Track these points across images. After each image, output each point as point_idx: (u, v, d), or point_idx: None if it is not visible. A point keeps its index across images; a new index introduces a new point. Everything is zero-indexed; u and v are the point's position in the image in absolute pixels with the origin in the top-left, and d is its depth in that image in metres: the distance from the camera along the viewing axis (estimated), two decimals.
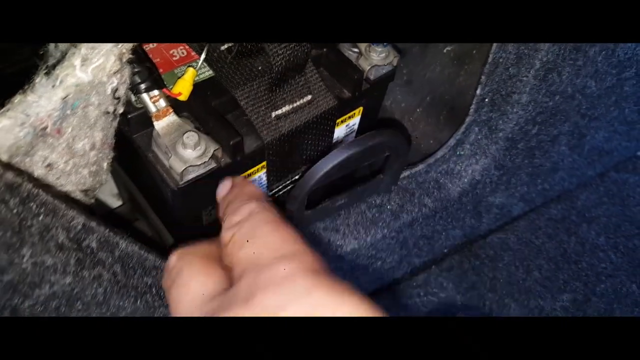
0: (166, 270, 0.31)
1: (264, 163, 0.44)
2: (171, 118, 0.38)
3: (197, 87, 0.41)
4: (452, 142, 0.51)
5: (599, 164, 0.62)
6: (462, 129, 0.50)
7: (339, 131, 0.49)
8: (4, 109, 0.26)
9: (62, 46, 0.27)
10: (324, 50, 0.46)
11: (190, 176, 0.38)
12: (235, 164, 0.40)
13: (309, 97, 0.43)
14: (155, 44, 0.42)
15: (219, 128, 0.39)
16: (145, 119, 0.39)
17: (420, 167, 0.50)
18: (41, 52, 0.28)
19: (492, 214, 0.57)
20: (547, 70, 0.44)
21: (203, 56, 0.41)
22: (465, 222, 0.56)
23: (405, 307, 0.56)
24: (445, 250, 0.58)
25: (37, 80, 0.26)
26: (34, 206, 0.27)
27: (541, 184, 0.58)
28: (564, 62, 0.44)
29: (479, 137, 0.50)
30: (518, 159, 0.52)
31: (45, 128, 0.27)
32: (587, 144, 0.57)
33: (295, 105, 0.43)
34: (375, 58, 0.46)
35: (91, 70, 0.27)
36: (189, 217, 0.43)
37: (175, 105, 0.39)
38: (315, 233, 0.46)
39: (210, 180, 0.40)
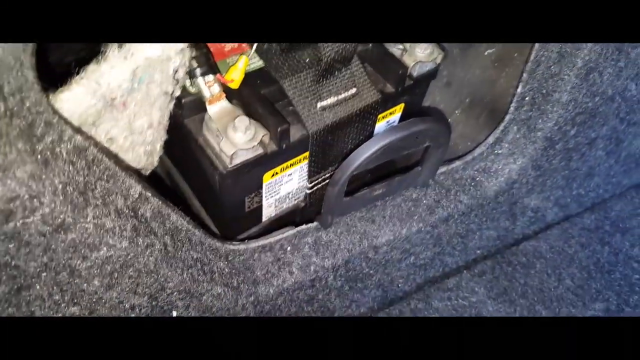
0: None
1: (307, 154, 0.45)
2: (223, 103, 0.40)
3: (247, 76, 0.42)
4: (490, 140, 0.51)
5: (635, 173, 0.62)
6: (501, 127, 0.50)
7: (380, 127, 0.50)
8: (77, 77, 0.27)
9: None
10: (370, 46, 0.47)
11: (239, 160, 0.39)
12: (280, 152, 0.42)
13: (354, 90, 0.44)
14: None
15: (268, 115, 0.40)
16: (197, 104, 0.41)
17: (457, 163, 0.51)
18: None
19: (526, 216, 0.57)
20: (589, 70, 0.44)
21: (254, 46, 0.43)
22: (500, 224, 0.55)
23: (436, 310, 0.56)
24: (479, 252, 0.57)
25: (110, 51, 0.28)
26: (98, 170, 0.28)
27: (576, 189, 0.58)
28: (606, 62, 0.44)
29: (518, 136, 0.50)
30: (555, 160, 0.52)
31: (114, 99, 0.29)
32: (624, 150, 0.57)
33: (340, 97, 0.44)
34: (419, 54, 0.47)
35: (161, 45, 0.28)
36: (233, 202, 0.44)
37: (227, 92, 0.41)
38: (351, 223, 0.47)
39: (255, 166, 0.41)
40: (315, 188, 0.49)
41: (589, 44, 0.42)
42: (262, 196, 0.46)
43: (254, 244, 0.43)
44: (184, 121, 0.42)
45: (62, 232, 0.27)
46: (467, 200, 0.50)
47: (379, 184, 0.45)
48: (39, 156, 0.25)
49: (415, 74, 0.47)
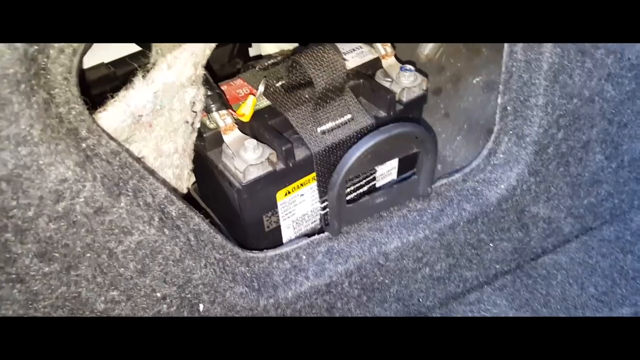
0: None
1: (314, 174, 0.52)
2: (236, 133, 0.48)
3: (256, 113, 0.50)
4: (484, 152, 0.55)
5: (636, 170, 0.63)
6: (492, 138, 0.55)
7: None
8: (112, 100, 0.36)
9: (154, 58, 0.38)
10: (361, 80, 0.55)
11: (252, 176, 0.46)
12: (288, 169, 0.49)
13: (349, 115, 0.51)
14: (225, 85, 0.53)
15: (274, 138, 0.48)
16: (217, 138, 0.49)
17: (457, 176, 0.55)
18: (138, 65, 0.39)
19: (539, 227, 0.59)
20: (556, 72, 0.49)
21: (261, 88, 0.51)
22: (512, 234, 0.58)
23: (452, 312, 0.58)
24: (497, 266, 0.60)
25: (136, 80, 0.37)
26: (129, 171, 0.36)
27: (586, 197, 0.60)
28: (571, 63, 0.49)
29: (509, 144, 0.54)
30: (551, 165, 0.55)
31: (140, 116, 0.37)
32: (625, 154, 0.59)
33: (337, 122, 0.51)
34: (404, 82, 0.54)
35: (174, 73, 0.37)
36: (252, 219, 0.50)
37: (239, 125, 0.49)
38: (360, 232, 0.51)
39: (267, 182, 0.48)
40: (327, 209, 0.55)
41: (549, 48, 0.48)
42: (279, 216, 0.52)
43: (271, 252, 0.48)
44: (206, 153, 0.50)
45: (100, 214, 0.34)
46: (470, 208, 0.54)
47: (379, 192, 0.51)
48: (82, 152, 0.33)
49: (404, 99, 0.54)
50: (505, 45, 0.50)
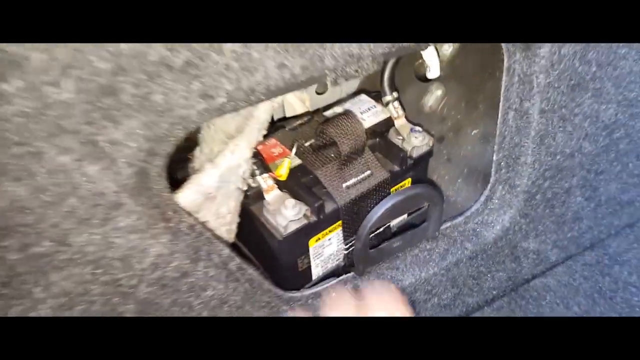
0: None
1: (340, 222, 0.61)
2: (276, 192, 0.57)
3: (291, 171, 0.59)
4: (482, 198, 0.65)
5: (622, 214, 0.73)
6: (489, 187, 0.64)
7: None
8: (186, 183, 0.45)
9: (217, 147, 0.47)
10: (377, 139, 0.64)
11: (291, 229, 0.55)
12: (319, 222, 0.58)
13: (369, 172, 0.61)
14: (261, 145, 0.62)
15: (307, 196, 0.57)
16: (258, 195, 0.58)
17: (460, 219, 0.65)
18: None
19: (530, 258, 0.69)
20: (542, 137, 0.58)
21: (294, 150, 0.61)
22: (507, 265, 0.68)
23: None
24: (494, 292, 0.69)
25: (206, 166, 0.46)
26: (203, 238, 0.45)
27: (569, 232, 0.70)
28: (554, 129, 0.58)
29: (503, 192, 0.64)
30: (539, 208, 0.65)
31: (209, 194, 0.46)
32: (602, 195, 0.69)
33: (359, 178, 0.60)
34: (414, 141, 0.63)
35: (236, 157, 0.46)
36: (288, 263, 0.60)
37: (278, 183, 0.58)
38: (380, 271, 0.61)
39: (302, 233, 0.57)
40: (350, 249, 0.65)
41: (536, 117, 0.57)
42: (310, 258, 0.61)
43: (307, 291, 0.58)
44: (249, 207, 0.59)
45: (185, 277, 0.43)
46: (471, 247, 0.64)
47: (396, 238, 0.60)
48: (170, 230, 0.42)
49: (414, 155, 0.64)
50: (500, 113, 0.59)
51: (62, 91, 0.31)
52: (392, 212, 0.55)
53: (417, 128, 0.63)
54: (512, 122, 0.58)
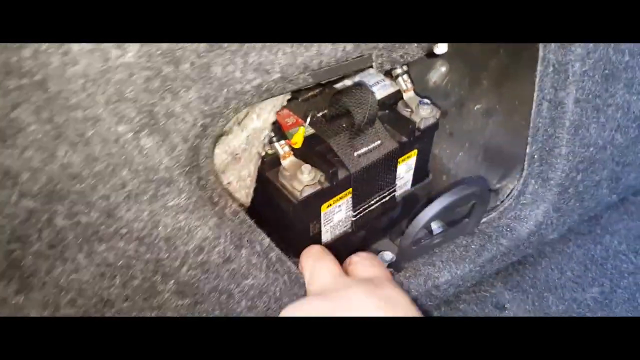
0: (310, 254, 0.50)
1: (350, 190, 0.63)
2: (292, 158, 0.59)
3: (305, 140, 0.62)
4: (514, 193, 0.66)
5: (624, 192, 0.76)
6: (521, 181, 0.65)
7: (401, 168, 0.69)
8: (217, 143, 0.47)
9: (244, 110, 0.49)
10: (387, 111, 0.67)
11: (306, 193, 0.58)
12: (332, 187, 0.60)
13: (379, 141, 0.63)
14: (277, 115, 0.64)
15: (321, 163, 0.59)
16: (272, 161, 0.60)
17: (494, 214, 0.67)
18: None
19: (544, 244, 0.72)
20: (576, 127, 0.59)
21: (308, 120, 0.63)
22: (527, 252, 0.70)
23: (464, 301, 0.70)
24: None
25: (234, 127, 0.48)
26: (245, 226, 0.47)
27: (583, 215, 0.72)
28: (588, 119, 0.59)
29: (536, 187, 0.65)
30: (570, 202, 0.66)
31: (236, 154, 0.48)
32: (622, 185, 0.71)
33: (370, 147, 0.63)
34: (422, 113, 0.66)
35: (261, 120, 0.48)
36: (301, 227, 0.62)
37: (293, 151, 0.60)
38: (417, 267, 0.63)
39: (315, 198, 0.60)
40: (358, 216, 0.67)
41: (571, 107, 0.58)
42: (321, 223, 0.64)
43: None
44: (265, 173, 0.61)
45: (227, 263, 0.45)
46: (506, 242, 0.66)
47: (437, 234, 0.63)
48: (216, 214, 0.43)
49: (422, 127, 0.66)
50: (534, 104, 0.60)
51: (125, 53, 0.31)
52: (445, 212, 0.56)
53: (426, 100, 0.66)
54: (546, 113, 0.59)
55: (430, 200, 0.58)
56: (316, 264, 0.51)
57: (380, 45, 0.41)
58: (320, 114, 0.65)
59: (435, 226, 0.75)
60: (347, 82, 0.71)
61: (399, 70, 0.68)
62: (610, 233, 0.76)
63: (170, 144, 0.37)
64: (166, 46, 0.33)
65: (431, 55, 0.74)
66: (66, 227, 0.38)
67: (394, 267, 0.62)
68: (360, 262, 0.53)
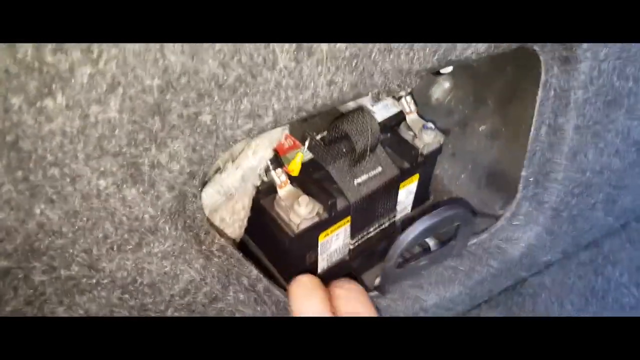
0: (299, 285, 0.47)
1: (349, 218, 0.60)
2: (289, 187, 0.56)
3: (303, 166, 0.58)
4: (507, 214, 0.64)
5: (623, 218, 0.74)
6: (514, 203, 0.63)
7: (401, 193, 0.66)
8: (209, 183, 0.44)
9: (239, 146, 0.46)
10: (388, 134, 0.63)
11: (303, 226, 0.55)
12: (330, 218, 0.57)
13: (380, 168, 0.60)
14: None
15: (320, 193, 0.56)
16: (268, 189, 0.57)
17: (485, 235, 0.64)
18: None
19: (537, 267, 0.70)
20: (575, 153, 0.56)
21: (306, 144, 0.59)
22: (520, 276, 0.68)
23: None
24: (495, 292, 0.70)
25: (228, 165, 0.44)
26: (232, 261, 0.44)
27: (578, 239, 0.70)
28: (587, 146, 0.57)
29: (530, 209, 0.63)
30: (564, 225, 0.64)
31: (230, 194, 0.45)
32: (618, 207, 0.69)
33: (370, 175, 0.59)
34: (426, 138, 0.63)
35: (257, 158, 0.45)
36: (298, 258, 0.59)
37: (289, 178, 0.57)
38: (404, 289, 0.60)
39: (313, 230, 0.57)
40: (356, 244, 0.65)
41: (571, 133, 0.55)
42: (317, 252, 0.61)
43: None
44: (260, 201, 0.58)
45: (214, 303, 0.43)
46: (496, 264, 0.63)
47: (423, 257, 0.60)
48: (203, 254, 0.41)
49: (425, 152, 0.63)
50: (532, 129, 0.58)
51: (107, 109, 0.29)
52: (426, 234, 0.54)
53: (430, 125, 0.63)
54: (544, 138, 0.57)
55: (411, 223, 0.55)
56: (304, 301, 0.48)
57: (379, 83, 0.38)
58: (319, 136, 0.61)
59: (432, 242, 0.73)
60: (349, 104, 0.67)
61: (402, 92, 0.65)
62: (612, 263, 0.74)
63: (156, 194, 0.35)
64: (153, 99, 0.30)
65: (435, 72, 0.70)
66: (44, 282, 0.35)
67: (379, 290, 0.60)
68: (345, 297, 0.49)
